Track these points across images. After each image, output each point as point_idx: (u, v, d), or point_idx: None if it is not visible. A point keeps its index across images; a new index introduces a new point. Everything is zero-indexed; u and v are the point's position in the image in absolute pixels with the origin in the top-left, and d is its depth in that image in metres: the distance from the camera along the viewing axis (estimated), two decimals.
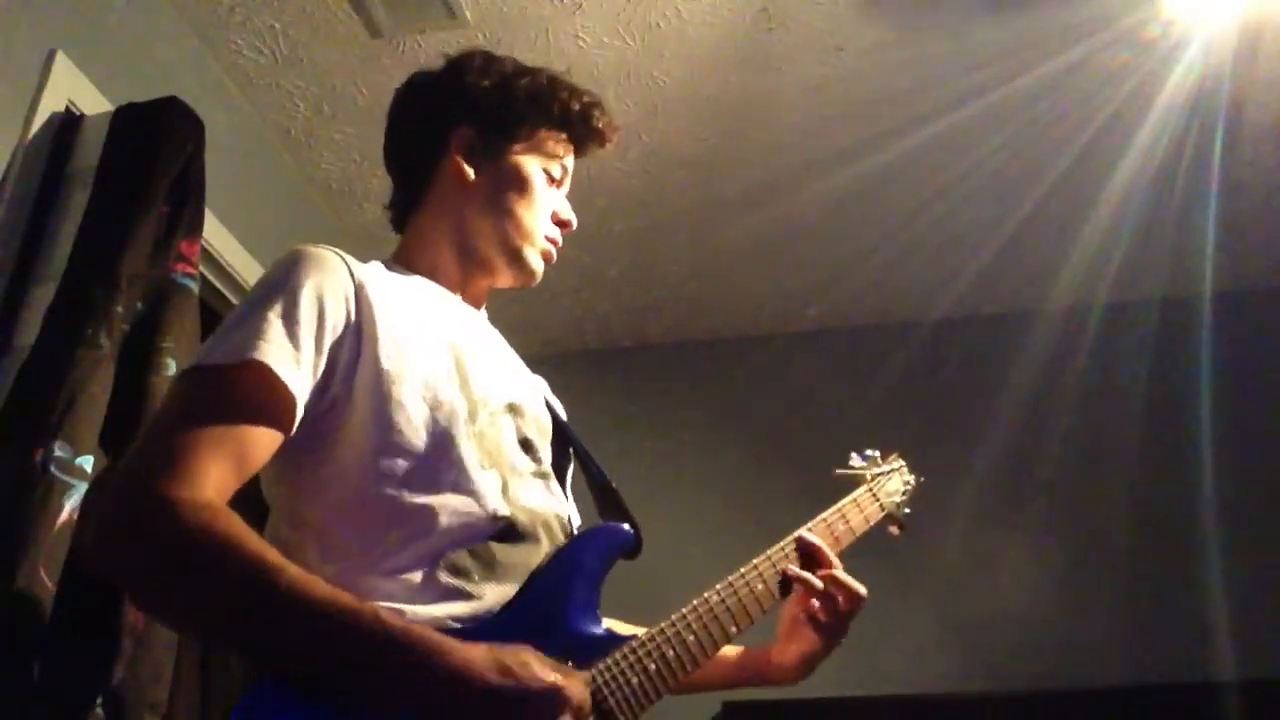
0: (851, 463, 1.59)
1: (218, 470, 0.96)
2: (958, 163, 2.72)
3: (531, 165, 1.31)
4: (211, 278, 2.30)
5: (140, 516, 0.93)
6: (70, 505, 1.47)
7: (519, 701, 0.91)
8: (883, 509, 1.54)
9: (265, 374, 1.00)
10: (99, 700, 1.45)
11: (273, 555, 0.92)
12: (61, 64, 1.87)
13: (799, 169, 2.74)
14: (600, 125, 1.36)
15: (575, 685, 0.97)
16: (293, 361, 1.02)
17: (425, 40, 2.39)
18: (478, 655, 0.92)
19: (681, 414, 3.35)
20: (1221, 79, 2.45)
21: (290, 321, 1.04)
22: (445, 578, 1.04)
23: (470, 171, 1.29)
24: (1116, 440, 3.00)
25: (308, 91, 2.51)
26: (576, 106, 1.33)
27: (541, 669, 0.94)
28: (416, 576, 1.03)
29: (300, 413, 1.03)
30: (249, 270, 2.38)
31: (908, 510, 1.61)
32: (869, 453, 1.62)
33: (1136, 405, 3.02)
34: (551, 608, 1.08)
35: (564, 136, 1.34)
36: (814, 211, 2.91)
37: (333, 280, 1.10)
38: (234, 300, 2.41)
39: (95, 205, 1.75)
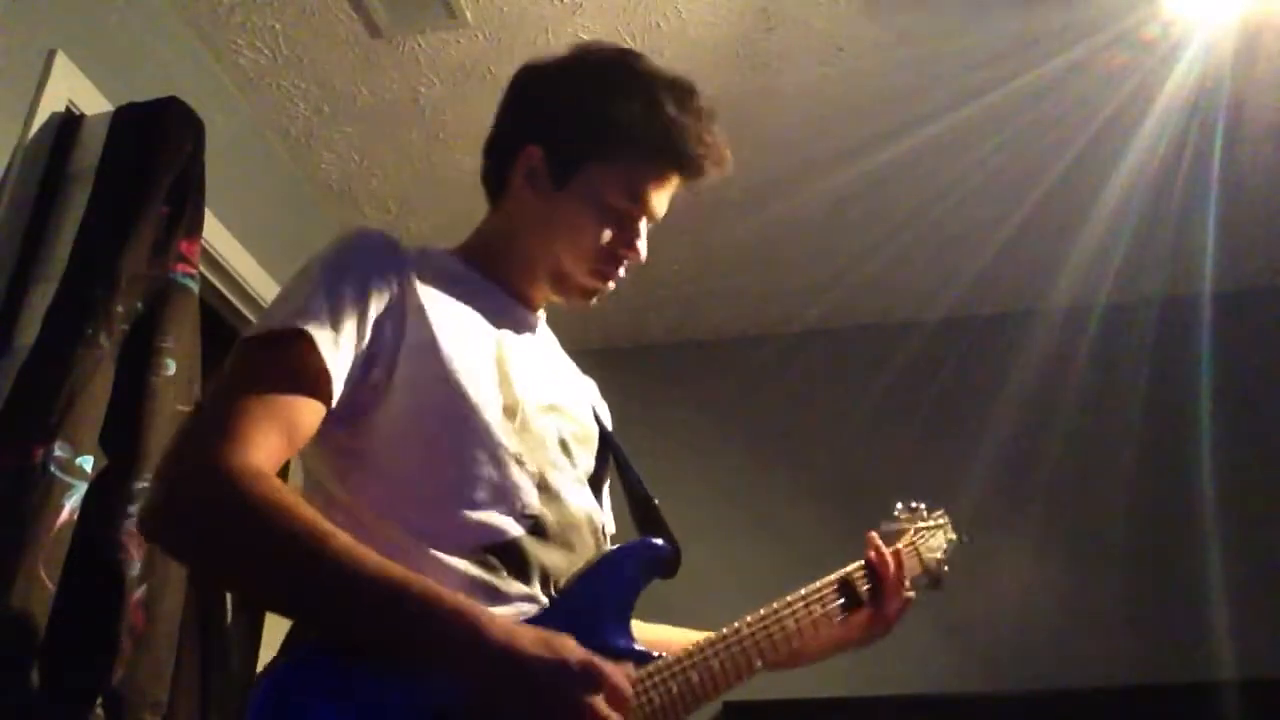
0: (896, 513, 1.55)
1: (269, 439, 0.97)
2: (958, 163, 2.72)
3: (593, 196, 1.21)
4: (211, 278, 2.30)
5: (194, 483, 0.94)
6: (70, 505, 1.47)
7: (560, 674, 0.91)
8: (923, 564, 1.49)
9: (305, 344, 1.01)
10: (99, 700, 1.45)
11: (323, 522, 0.93)
12: (61, 64, 1.87)
13: (799, 169, 2.74)
14: (694, 160, 1.23)
15: (616, 668, 0.96)
16: (332, 342, 1.02)
17: (425, 40, 2.39)
18: (523, 631, 0.93)
19: (681, 414, 3.35)
20: (1221, 79, 2.44)
21: (334, 297, 1.05)
22: (474, 571, 1.04)
23: (530, 194, 1.23)
24: (1116, 440, 2.99)
25: (308, 91, 2.51)
26: (677, 139, 1.21)
27: (583, 649, 0.95)
28: (445, 567, 1.03)
29: (337, 390, 1.03)
30: (249, 270, 2.38)
31: (947, 568, 1.56)
32: (914, 505, 1.58)
33: (1136, 405, 3.02)
34: (586, 616, 1.07)
35: (656, 170, 1.23)
36: (814, 211, 2.91)
37: (383, 261, 1.11)
38: (234, 300, 2.41)
39: (95, 205, 1.75)
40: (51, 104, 1.85)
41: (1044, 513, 2.95)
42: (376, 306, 1.08)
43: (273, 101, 2.53)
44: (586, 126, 1.22)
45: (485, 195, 1.32)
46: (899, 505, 1.56)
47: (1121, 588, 2.84)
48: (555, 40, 2.37)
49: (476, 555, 1.05)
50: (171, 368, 1.68)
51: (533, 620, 1.04)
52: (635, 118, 1.21)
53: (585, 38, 2.37)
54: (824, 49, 2.41)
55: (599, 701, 0.92)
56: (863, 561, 1.38)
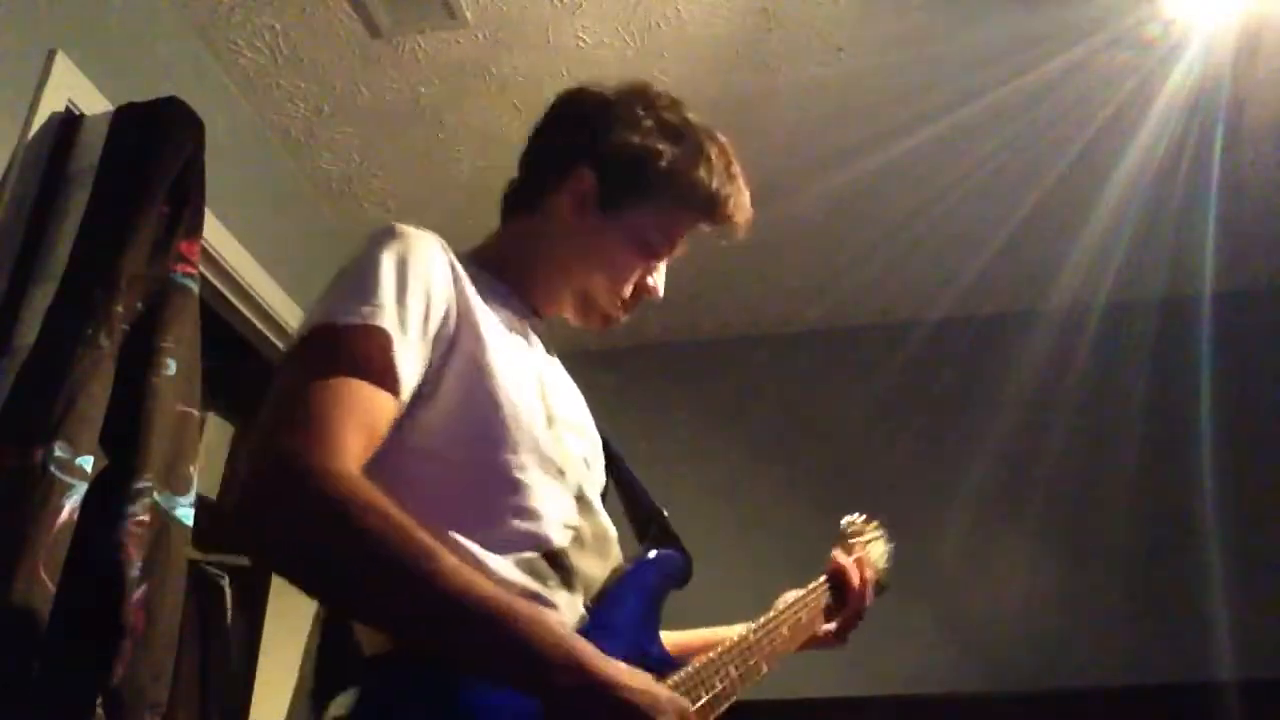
0: (844, 527, 1.65)
1: (355, 439, 0.94)
2: (958, 163, 2.72)
3: (637, 234, 1.27)
4: (211, 278, 2.30)
5: (292, 488, 0.89)
6: (70, 505, 1.47)
7: (657, 715, 0.91)
8: (875, 573, 1.60)
9: (380, 340, 0.99)
10: (99, 700, 1.45)
11: (428, 537, 0.89)
12: (61, 64, 1.87)
13: (799, 169, 2.74)
14: (732, 218, 1.30)
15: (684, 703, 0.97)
16: (403, 341, 1.01)
17: (425, 40, 2.39)
18: (623, 666, 0.92)
19: (681, 414, 3.35)
20: (1221, 79, 2.44)
21: (402, 293, 1.03)
22: (523, 580, 1.02)
23: (574, 216, 1.25)
24: (1116, 440, 3.00)
25: (308, 91, 2.51)
26: (715, 195, 1.28)
27: (668, 690, 0.96)
28: (493, 575, 0.99)
29: (407, 389, 1.01)
30: (249, 270, 2.38)
31: (888, 574, 1.68)
32: (850, 517, 1.68)
33: (1136, 405, 3.02)
34: (626, 628, 1.08)
35: (693, 219, 1.30)
36: (814, 211, 2.91)
37: (441, 261, 1.10)
38: (234, 300, 2.41)
39: (95, 205, 1.75)
40: (51, 104, 1.85)
41: (1044, 513, 2.95)
42: (438, 307, 1.06)
43: (273, 101, 2.53)
44: (644, 165, 1.25)
45: (506, 204, 1.32)
46: (844, 520, 1.66)
47: (1121, 588, 2.84)
48: (555, 40, 2.37)
49: (525, 563, 1.03)
50: (171, 368, 1.68)
51: (580, 633, 1.01)
52: (688, 169, 1.26)
53: (585, 38, 2.37)
54: (824, 49, 2.41)
55: None
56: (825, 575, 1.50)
